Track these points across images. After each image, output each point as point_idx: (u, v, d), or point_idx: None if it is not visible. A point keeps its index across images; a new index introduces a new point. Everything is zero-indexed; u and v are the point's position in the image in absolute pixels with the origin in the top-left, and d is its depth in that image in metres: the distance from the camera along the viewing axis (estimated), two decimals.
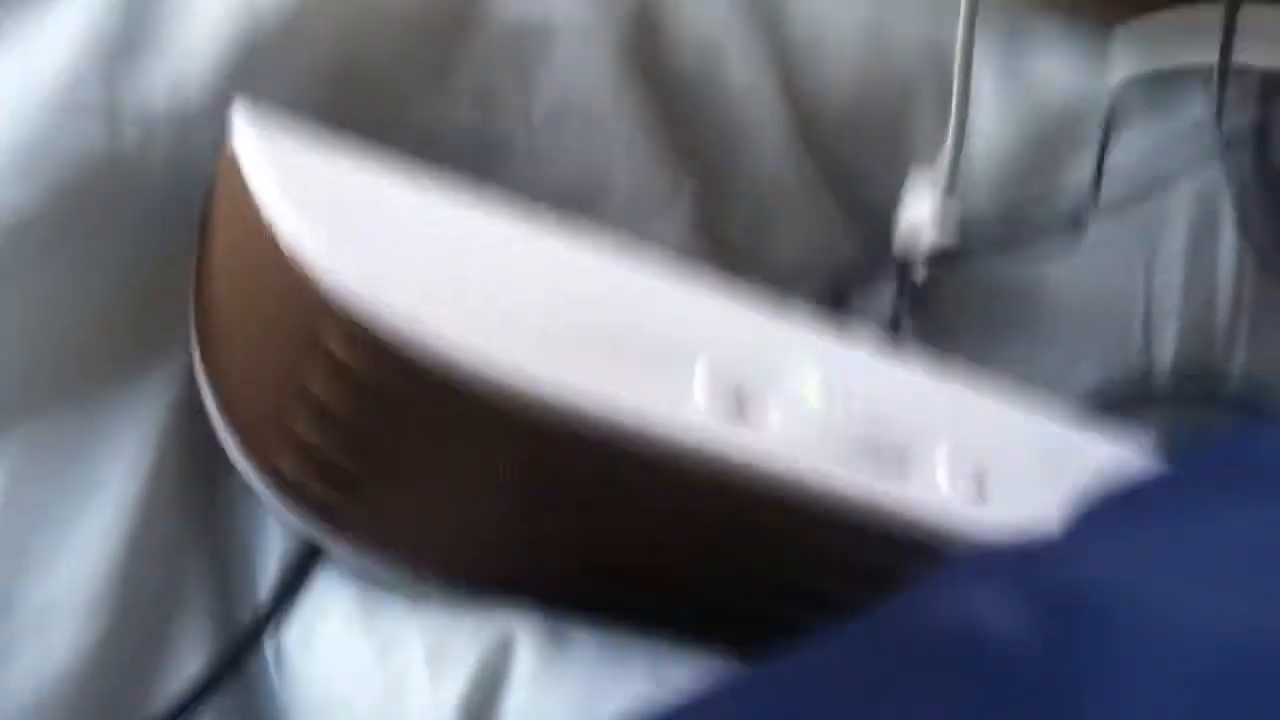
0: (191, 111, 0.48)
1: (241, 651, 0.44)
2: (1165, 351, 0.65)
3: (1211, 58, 0.64)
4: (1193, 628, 0.28)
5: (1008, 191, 0.66)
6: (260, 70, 0.50)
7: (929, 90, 0.65)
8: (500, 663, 0.42)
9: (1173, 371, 0.64)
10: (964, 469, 0.46)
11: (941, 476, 0.46)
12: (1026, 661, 0.29)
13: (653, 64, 0.59)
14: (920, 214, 0.61)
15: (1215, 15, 0.63)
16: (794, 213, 0.61)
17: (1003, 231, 0.61)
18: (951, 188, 0.61)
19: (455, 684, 0.42)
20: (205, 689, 0.43)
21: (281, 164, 0.44)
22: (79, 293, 0.46)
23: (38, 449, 0.44)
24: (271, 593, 0.45)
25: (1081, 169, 0.65)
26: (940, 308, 0.62)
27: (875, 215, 0.64)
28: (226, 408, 0.45)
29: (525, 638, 0.43)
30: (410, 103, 0.54)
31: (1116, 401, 0.62)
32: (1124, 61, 0.70)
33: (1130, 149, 0.63)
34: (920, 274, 0.61)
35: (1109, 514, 0.36)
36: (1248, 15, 0.63)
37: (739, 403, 0.44)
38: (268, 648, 0.44)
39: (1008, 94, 0.67)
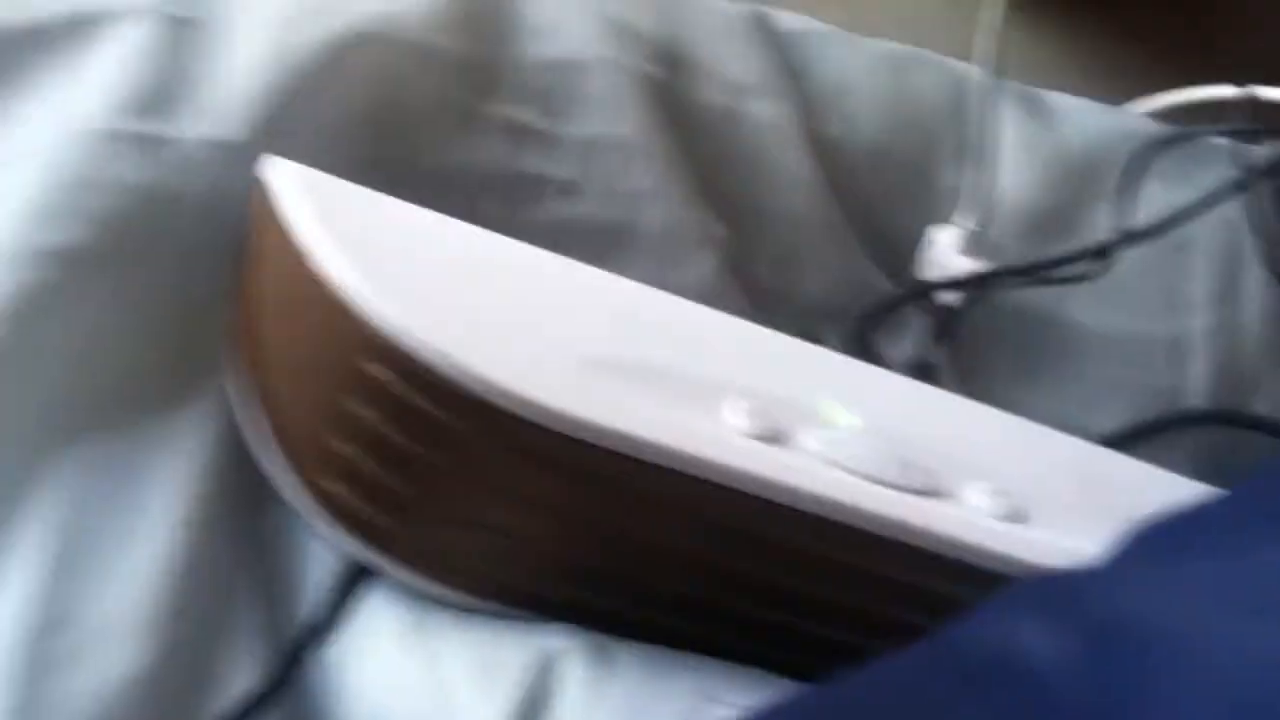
0: (231, 146, 0.49)
1: (292, 667, 0.44)
2: (1196, 387, 0.65)
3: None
4: (1233, 657, 0.28)
5: (1033, 237, 0.66)
6: (297, 107, 0.51)
7: (951, 135, 0.67)
8: (546, 680, 0.42)
9: (1203, 407, 0.64)
10: (999, 490, 0.46)
11: (977, 497, 0.46)
12: (1070, 690, 0.29)
13: (681, 102, 0.60)
14: (948, 242, 0.62)
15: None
16: (820, 251, 0.62)
17: (1029, 262, 0.62)
18: (979, 214, 0.62)
19: (502, 700, 0.42)
20: (256, 704, 0.43)
21: (318, 201, 0.45)
22: (125, 322, 0.47)
23: (90, 473, 0.44)
24: (320, 609, 0.45)
25: (1104, 215, 0.66)
26: (968, 340, 0.63)
27: (900, 254, 0.65)
28: (271, 432, 0.45)
29: (571, 655, 0.43)
30: (442, 139, 0.55)
31: (1147, 432, 0.62)
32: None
33: (1154, 188, 0.63)
34: (949, 301, 0.61)
35: (1152, 544, 0.36)
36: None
37: (775, 428, 0.44)
38: (317, 663, 0.45)
39: (1030, 141, 0.68)
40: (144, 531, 0.44)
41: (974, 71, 0.67)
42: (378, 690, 0.43)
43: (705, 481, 0.42)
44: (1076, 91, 0.73)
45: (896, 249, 0.65)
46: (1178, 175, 0.67)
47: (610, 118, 0.57)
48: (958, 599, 0.44)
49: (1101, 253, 0.59)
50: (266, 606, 0.45)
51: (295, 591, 0.46)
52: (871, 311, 0.61)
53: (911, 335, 0.62)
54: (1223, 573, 0.32)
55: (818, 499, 0.43)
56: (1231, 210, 0.67)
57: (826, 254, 0.62)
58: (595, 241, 0.55)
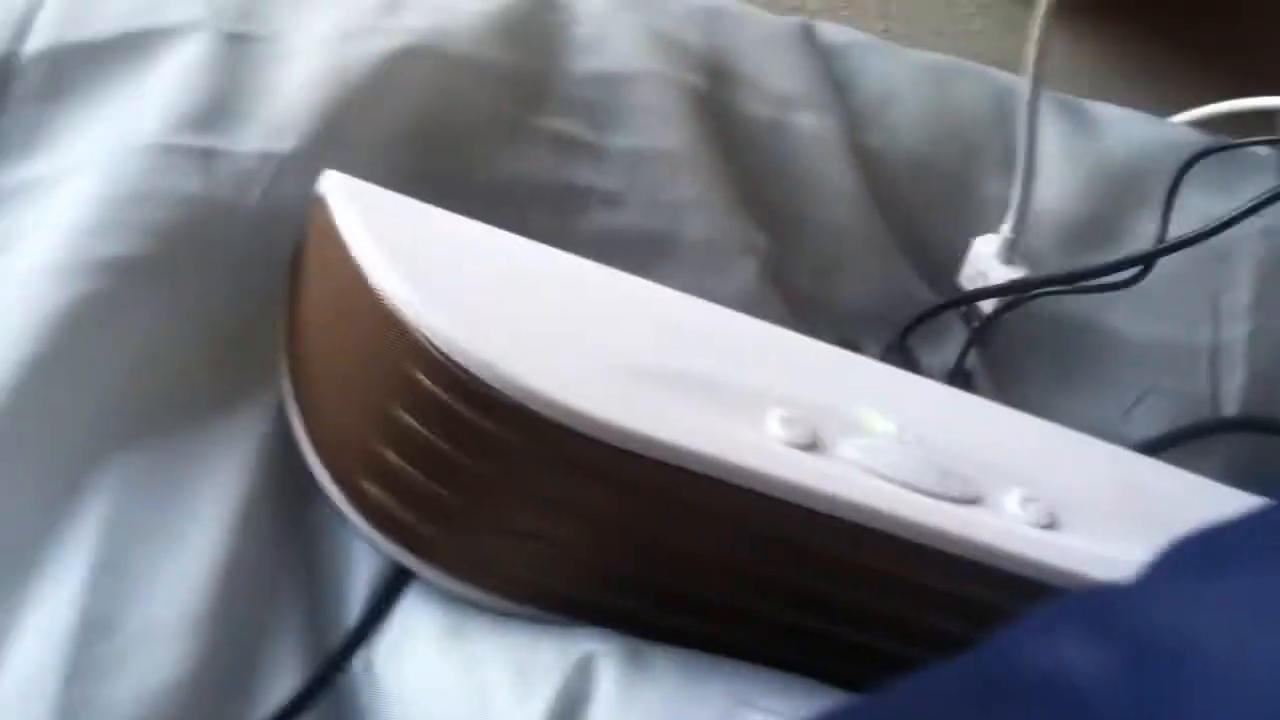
0: (285, 159, 0.50)
1: (333, 670, 0.45)
2: (1233, 395, 0.65)
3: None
4: (1269, 672, 0.28)
5: (1073, 246, 0.67)
6: (350, 121, 0.52)
7: (993, 145, 0.67)
8: (583, 682, 0.43)
9: (1240, 414, 0.64)
10: (1036, 497, 0.47)
11: (1014, 505, 0.47)
12: (1110, 707, 0.30)
13: (726, 114, 0.61)
14: (989, 251, 0.63)
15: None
16: (861, 261, 0.63)
17: (1070, 271, 0.62)
18: (1020, 224, 0.62)
19: (539, 703, 0.42)
20: (298, 706, 0.44)
21: (371, 213, 0.46)
22: (178, 330, 0.48)
23: (140, 479, 0.45)
24: (361, 612, 0.46)
25: (1146, 224, 0.66)
26: (1006, 347, 0.63)
27: (940, 263, 0.65)
28: (318, 439, 0.46)
29: (607, 658, 0.43)
30: (492, 152, 0.56)
31: (1183, 439, 0.62)
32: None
33: (1195, 197, 0.63)
34: (988, 310, 0.62)
35: (1189, 559, 0.36)
36: None
37: (815, 436, 0.45)
38: (358, 665, 0.45)
39: (1072, 151, 0.69)
40: (192, 536, 0.45)
41: (1016, 81, 0.68)
42: (416, 693, 0.44)
43: (746, 490, 0.43)
44: (1119, 101, 0.73)
45: (937, 258, 0.65)
46: (1219, 185, 0.67)
47: (656, 129, 0.58)
48: (993, 606, 0.45)
49: (1142, 262, 0.60)
50: (309, 609, 0.46)
51: (337, 594, 0.47)
52: (912, 320, 0.61)
53: (951, 343, 0.63)
54: (1260, 587, 0.32)
55: (856, 507, 0.44)
56: (1272, 219, 0.67)
57: (868, 264, 0.63)
58: (639, 251, 0.56)
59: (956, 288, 0.65)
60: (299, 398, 0.48)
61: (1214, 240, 0.59)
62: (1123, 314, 0.65)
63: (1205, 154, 0.65)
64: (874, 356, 0.54)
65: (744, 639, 0.46)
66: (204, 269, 0.49)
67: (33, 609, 0.42)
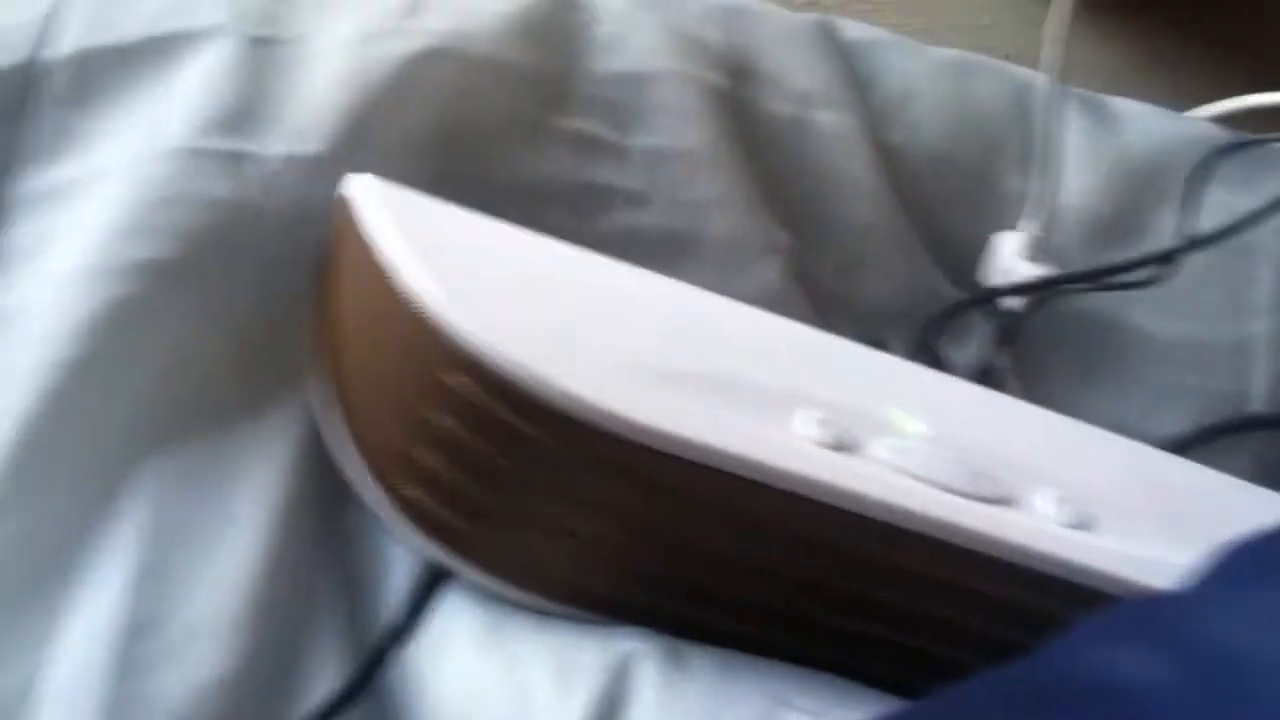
0: (311, 161, 0.50)
1: (372, 670, 0.45)
2: (1259, 392, 0.65)
3: None
4: None
5: (1096, 243, 0.67)
6: (374, 122, 0.52)
7: (1015, 141, 0.67)
8: (622, 683, 0.43)
9: (1267, 412, 0.64)
10: (1067, 497, 0.47)
11: (1045, 505, 0.46)
12: (1171, 716, 0.30)
13: (748, 112, 0.61)
14: (1011, 248, 0.63)
15: None
16: (884, 258, 0.63)
17: (1093, 268, 0.62)
18: (1043, 220, 0.62)
19: (579, 703, 0.42)
20: (337, 706, 0.44)
21: (398, 215, 0.46)
22: (208, 333, 0.48)
23: (176, 481, 0.45)
24: (400, 612, 0.46)
25: (1168, 220, 0.66)
26: (1031, 345, 0.63)
27: (963, 260, 0.65)
28: (351, 441, 0.46)
29: (646, 658, 0.44)
30: (513, 152, 0.56)
31: (1210, 437, 0.62)
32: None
33: (1218, 193, 0.63)
34: (1012, 307, 0.62)
35: (1242, 568, 0.36)
36: None
37: (846, 436, 0.45)
38: (397, 665, 0.45)
39: (1094, 147, 0.69)
40: (230, 537, 0.45)
41: (1035, 77, 0.68)
42: (457, 693, 0.44)
43: (779, 490, 0.43)
44: (1140, 97, 0.73)
45: (960, 255, 0.65)
46: (1242, 181, 0.67)
47: (677, 129, 0.58)
48: (1023, 606, 0.45)
49: (1165, 259, 0.59)
50: (347, 608, 0.46)
51: (375, 594, 0.47)
52: (936, 318, 0.61)
53: (975, 341, 0.63)
54: None
55: (889, 507, 0.44)
56: None
57: (891, 261, 0.63)
58: (661, 250, 0.56)
59: (978, 284, 0.64)
60: (330, 398, 0.47)
61: (1236, 238, 0.59)
62: (1146, 311, 0.65)
63: (1227, 150, 0.64)
64: (899, 354, 0.54)
65: (781, 639, 0.46)
66: (232, 272, 0.49)
67: (77, 611, 0.43)
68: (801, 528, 0.44)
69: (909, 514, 0.44)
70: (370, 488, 0.46)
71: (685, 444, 0.42)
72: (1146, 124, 0.71)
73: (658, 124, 0.58)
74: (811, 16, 0.66)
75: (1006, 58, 0.70)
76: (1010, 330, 0.62)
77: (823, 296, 0.60)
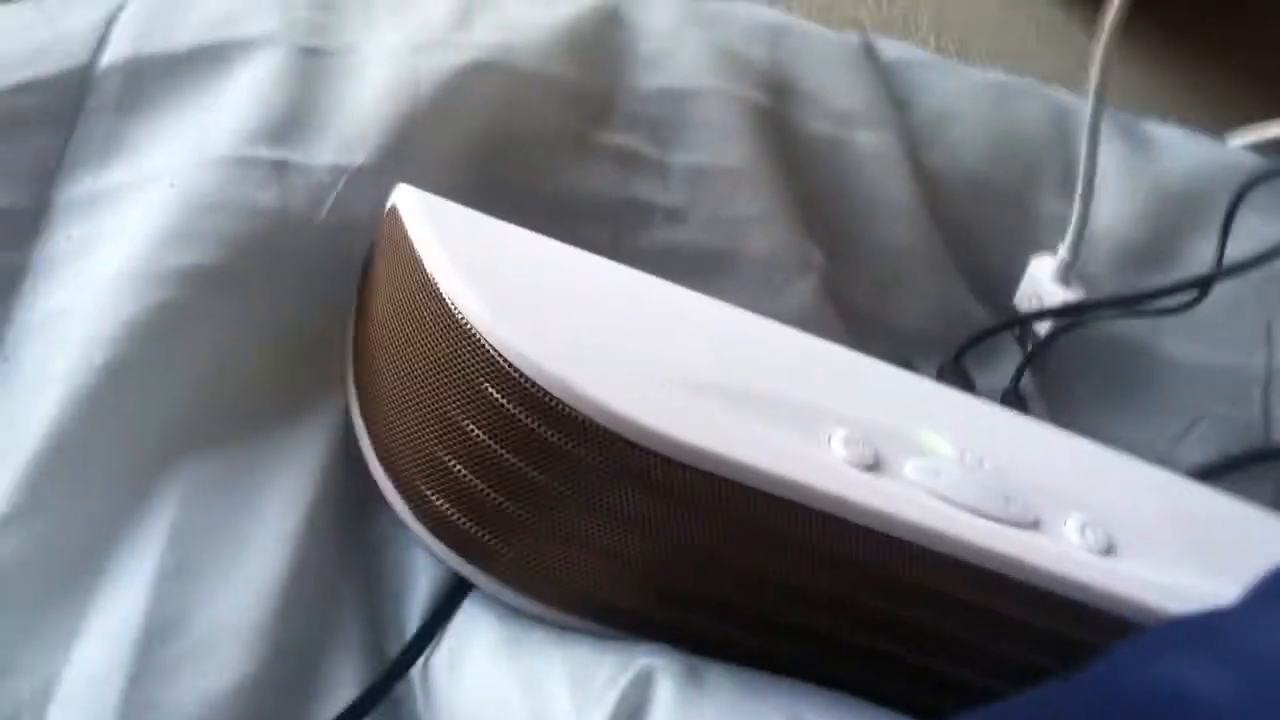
0: (356, 172, 0.51)
1: (392, 678, 0.45)
2: None
3: None
4: None
5: (1129, 268, 0.67)
6: (419, 135, 0.53)
7: (1052, 164, 0.67)
8: (640, 697, 0.43)
9: None
10: (1094, 523, 0.47)
11: (1072, 530, 0.47)
12: None
13: (788, 131, 0.61)
14: (1045, 272, 0.63)
15: None
16: (919, 279, 0.63)
17: (1126, 293, 0.62)
18: (1077, 245, 0.62)
19: (596, 717, 0.42)
20: (358, 712, 0.44)
21: (443, 227, 0.46)
22: (249, 339, 0.48)
23: (205, 484, 0.46)
24: (421, 622, 0.46)
25: (1202, 246, 0.66)
26: (1058, 369, 0.63)
27: (996, 282, 0.65)
28: (384, 448, 0.47)
29: (665, 673, 0.44)
30: (556, 166, 0.56)
31: (1236, 466, 0.62)
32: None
33: (1251, 221, 0.63)
34: (1042, 331, 0.62)
35: None
36: None
37: (878, 457, 0.45)
38: (416, 675, 0.46)
39: (1130, 172, 0.69)
40: (257, 542, 0.45)
41: (1074, 101, 0.68)
42: (474, 703, 0.44)
43: (809, 508, 0.43)
44: (1177, 122, 0.73)
45: (993, 277, 0.65)
46: (1275, 208, 0.67)
47: (718, 146, 0.58)
48: (1048, 630, 0.45)
49: (1198, 285, 0.60)
50: (370, 616, 0.47)
51: (397, 603, 0.47)
52: (968, 341, 0.62)
53: (1004, 364, 0.63)
54: None
55: (920, 529, 0.44)
56: None
57: (925, 282, 0.63)
58: (699, 267, 0.56)
59: (1011, 307, 0.65)
60: (365, 407, 0.48)
61: (1268, 266, 0.59)
62: (1176, 338, 0.65)
63: (1263, 178, 0.65)
64: (928, 375, 0.55)
65: (801, 657, 0.46)
66: (275, 279, 0.49)
67: (100, 611, 0.43)
68: (831, 546, 0.44)
69: (939, 536, 0.44)
70: (398, 496, 0.47)
71: (722, 461, 0.42)
72: (1183, 150, 0.71)
73: (699, 141, 0.58)
74: (854, 36, 0.66)
75: (1041, 80, 0.71)
76: (1040, 354, 0.62)
77: (856, 315, 0.61)
